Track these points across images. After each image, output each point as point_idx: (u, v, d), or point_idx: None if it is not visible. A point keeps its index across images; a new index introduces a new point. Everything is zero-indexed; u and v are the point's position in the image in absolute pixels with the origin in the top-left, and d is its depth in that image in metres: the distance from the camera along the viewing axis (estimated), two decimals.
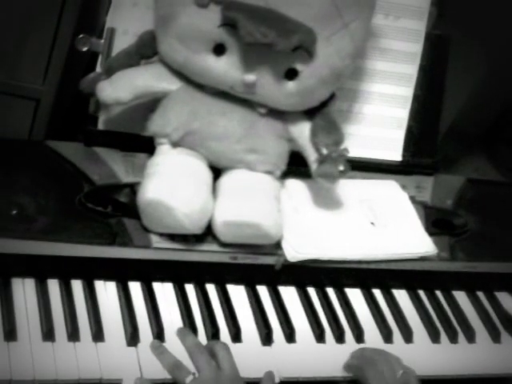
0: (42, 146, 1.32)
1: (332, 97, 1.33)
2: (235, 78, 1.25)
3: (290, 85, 1.26)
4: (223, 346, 1.19)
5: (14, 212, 1.19)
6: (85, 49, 1.33)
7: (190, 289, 1.28)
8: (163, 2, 1.27)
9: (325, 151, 1.29)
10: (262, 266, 1.29)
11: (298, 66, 1.25)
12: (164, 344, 1.18)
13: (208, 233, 1.25)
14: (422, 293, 1.40)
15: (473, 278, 1.42)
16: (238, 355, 1.20)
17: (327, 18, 1.23)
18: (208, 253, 1.26)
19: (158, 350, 1.17)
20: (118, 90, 1.29)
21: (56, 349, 1.13)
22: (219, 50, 1.24)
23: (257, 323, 1.27)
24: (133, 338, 1.18)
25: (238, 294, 1.30)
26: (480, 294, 1.44)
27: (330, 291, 1.35)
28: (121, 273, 1.24)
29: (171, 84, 1.31)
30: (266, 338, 1.24)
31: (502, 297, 1.45)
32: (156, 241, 1.23)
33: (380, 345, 1.29)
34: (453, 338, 1.35)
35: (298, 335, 1.26)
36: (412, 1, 1.44)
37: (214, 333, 1.22)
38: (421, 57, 1.48)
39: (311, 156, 1.31)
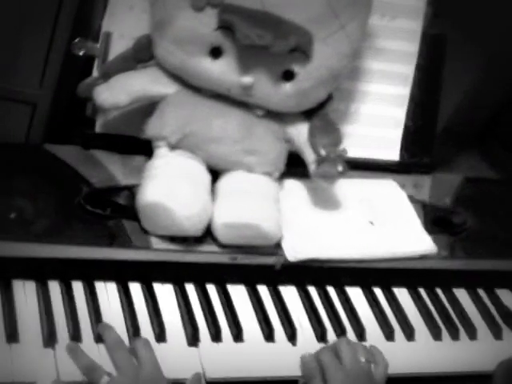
0: (39, 149, 1.32)
1: (329, 97, 1.33)
2: (232, 81, 1.25)
3: (287, 86, 1.26)
4: (144, 343, 1.13)
5: (14, 215, 1.19)
6: (81, 53, 1.32)
7: (190, 290, 1.27)
8: (159, 6, 1.27)
9: (323, 152, 1.29)
10: (261, 267, 1.29)
11: (295, 68, 1.25)
12: (165, 344, 1.17)
13: (207, 233, 1.25)
14: (422, 291, 1.40)
15: (473, 275, 1.42)
16: (240, 355, 1.20)
17: (324, 19, 1.23)
18: (208, 254, 1.25)
19: (72, 352, 1.11)
20: (115, 94, 1.29)
21: (58, 350, 1.12)
22: (216, 52, 1.24)
23: (258, 323, 1.26)
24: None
25: (238, 294, 1.29)
26: (480, 291, 1.44)
27: (331, 290, 1.35)
28: (121, 274, 1.24)
29: (168, 87, 1.30)
30: (268, 337, 1.24)
31: (503, 294, 1.45)
32: (156, 242, 1.23)
33: (382, 343, 1.29)
34: (454, 335, 1.35)
35: (300, 334, 1.26)
36: (408, 1, 1.45)
37: (215, 333, 1.21)
38: (417, 56, 1.48)
39: (309, 157, 1.31)
